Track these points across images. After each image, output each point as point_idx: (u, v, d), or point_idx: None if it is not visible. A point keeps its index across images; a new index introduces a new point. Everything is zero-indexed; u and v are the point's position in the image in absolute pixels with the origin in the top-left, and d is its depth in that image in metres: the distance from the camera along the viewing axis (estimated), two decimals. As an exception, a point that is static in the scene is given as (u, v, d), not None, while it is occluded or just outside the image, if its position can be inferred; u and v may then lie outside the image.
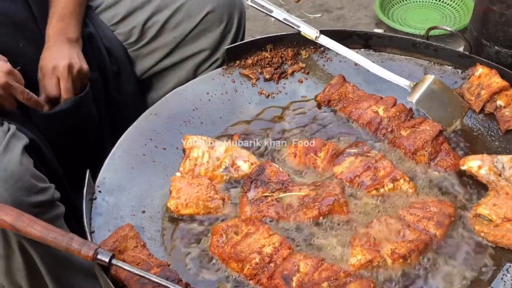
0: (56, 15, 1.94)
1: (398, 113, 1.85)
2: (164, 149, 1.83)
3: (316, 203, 1.62)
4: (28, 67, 1.88)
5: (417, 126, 1.81)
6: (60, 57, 1.89)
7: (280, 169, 1.73)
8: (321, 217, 1.62)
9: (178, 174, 1.75)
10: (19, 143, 1.70)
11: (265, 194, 1.68)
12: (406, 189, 1.66)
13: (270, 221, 1.62)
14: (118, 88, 2.11)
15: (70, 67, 1.88)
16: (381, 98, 1.88)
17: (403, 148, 1.77)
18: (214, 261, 1.57)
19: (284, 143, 1.82)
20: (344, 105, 1.90)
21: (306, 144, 1.78)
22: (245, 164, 1.76)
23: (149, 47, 2.13)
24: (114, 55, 2.09)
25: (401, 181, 1.66)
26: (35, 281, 1.83)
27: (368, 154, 1.74)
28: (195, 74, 2.12)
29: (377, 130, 1.83)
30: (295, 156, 1.77)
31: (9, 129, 1.72)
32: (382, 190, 1.66)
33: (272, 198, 1.67)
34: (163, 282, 1.42)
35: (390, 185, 1.66)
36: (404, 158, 1.76)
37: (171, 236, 1.63)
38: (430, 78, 1.86)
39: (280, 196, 1.67)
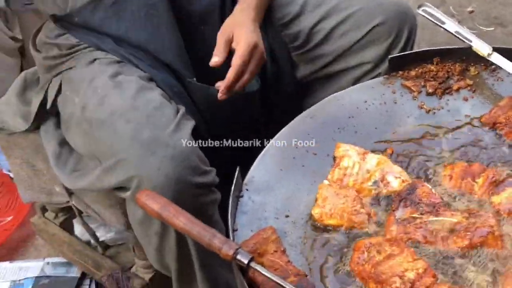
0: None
1: None
2: (315, 154, 1.80)
3: (468, 233, 1.52)
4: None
5: None
6: (258, 37, 1.88)
7: (433, 190, 1.64)
8: (471, 248, 1.51)
9: (326, 182, 1.72)
10: (189, 124, 1.76)
11: (414, 215, 1.60)
12: None
13: (416, 246, 1.55)
14: (276, 90, 2.11)
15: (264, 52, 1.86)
16: (555, 128, 1.72)
17: None
18: (352, 277, 1.51)
19: (440, 163, 1.72)
20: (511, 129, 1.77)
21: (464, 167, 1.66)
22: (395, 181, 1.69)
23: (314, 52, 2.11)
24: (277, 56, 2.08)
25: None
26: (183, 263, 1.88)
27: None
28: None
29: None
30: (450, 179, 1.68)
31: (178, 109, 1.78)
32: None
33: (421, 221, 1.59)
34: None
35: None
36: None
37: (312, 245, 1.60)
38: None
39: (430, 219, 1.58)
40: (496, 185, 1.63)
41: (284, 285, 1.41)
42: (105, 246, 2.53)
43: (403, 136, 1.82)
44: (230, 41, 1.89)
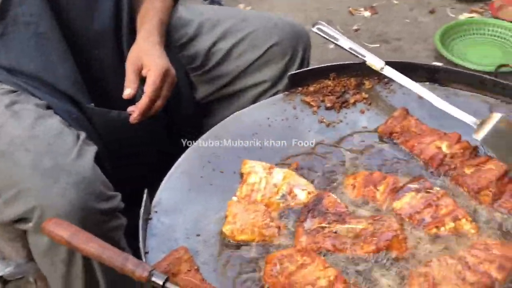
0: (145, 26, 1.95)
1: (462, 150, 1.82)
2: (222, 172, 1.84)
3: (374, 238, 1.60)
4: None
5: (482, 165, 1.78)
6: (167, 61, 1.89)
7: (338, 200, 1.71)
8: (378, 253, 1.59)
9: (234, 198, 1.76)
10: (91, 149, 1.75)
11: (322, 225, 1.67)
12: (468, 230, 1.63)
13: (326, 254, 1.61)
14: (176, 112, 2.13)
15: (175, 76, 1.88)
16: (445, 134, 1.86)
17: (466, 187, 1.74)
18: None
19: (343, 174, 1.80)
20: (406, 138, 1.88)
21: (365, 176, 1.76)
22: (302, 193, 1.75)
23: (212, 73, 2.15)
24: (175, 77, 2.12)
25: (463, 221, 1.63)
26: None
27: (430, 190, 1.71)
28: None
29: (439, 166, 1.80)
30: (353, 188, 1.76)
31: (79, 135, 1.77)
32: (442, 228, 1.63)
33: (329, 230, 1.66)
34: None
35: (451, 224, 1.63)
36: (467, 197, 1.73)
37: (225, 262, 1.63)
38: (497, 116, 1.83)
39: (337, 228, 1.65)
40: (396, 191, 1.72)
41: None
42: (4, 281, 2.44)
43: (307, 149, 1.88)
44: (139, 70, 1.90)
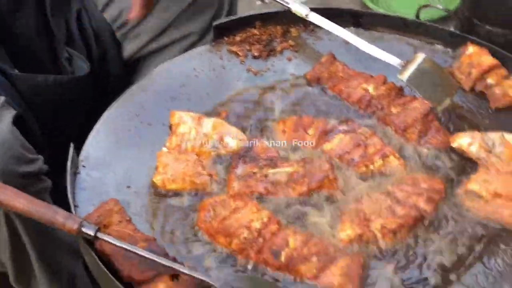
0: None
1: (388, 91, 1.85)
2: (150, 125, 1.82)
3: (306, 179, 1.62)
4: None
5: (407, 104, 1.81)
6: None
7: (269, 145, 1.72)
8: (310, 193, 1.61)
9: (164, 149, 1.74)
10: (9, 113, 1.70)
11: (254, 170, 1.67)
12: (396, 166, 1.66)
13: (259, 198, 1.62)
14: (104, 71, 2.09)
15: None
16: (371, 76, 1.88)
17: (393, 126, 1.77)
18: (200, 236, 1.56)
19: (273, 120, 1.81)
20: (334, 83, 1.90)
21: (295, 121, 1.77)
22: (233, 141, 1.76)
23: (137, 29, 2.12)
24: (101, 37, 2.07)
25: (391, 158, 1.67)
26: (18, 255, 1.81)
27: (358, 131, 1.74)
28: None
29: (367, 108, 1.83)
30: (284, 133, 1.77)
31: None
32: (371, 167, 1.66)
33: (261, 174, 1.66)
34: (150, 255, 1.42)
35: (380, 162, 1.66)
36: (394, 135, 1.77)
37: (157, 212, 1.62)
38: (421, 57, 1.87)
39: (269, 172, 1.66)
40: (325, 134, 1.75)
41: (134, 251, 1.42)
42: None
43: (236, 98, 1.89)
44: None
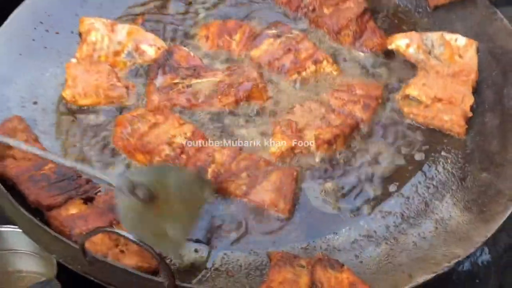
0: None
1: None
2: (57, 33, 1.64)
3: (232, 89, 1.49)
4: None
5: (341, 4, 1.68)
6: None
7: (191, 53, 1.57)
8: (238, 104, 1.49)
9: (73, 60, 1.57)
10: None
11: (175, 81, 1.52)
12: (329, 72, 1.55)
13: (181, 111, 1.48)
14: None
15: None
16: (302, -27, 1.72)
17: (326, 28, 1.65)
18: (117, 154, 1.41)
19: (195, 25, 1.64)
20: (260, -18, 1.73)
21: (219, 25, 1.62)
22: (150, 49, 1.60)
23: None
24: None
25: (324, 62, 1.55)
26: None
27: (289, 35, 1.60)
28: None
29: (298, 9, 1.70)
30: (207, 39, 1.61)
31: None
32: (304, 73, 1.54)
33: (183, 85, 1.52)
34: (41, 153, 1.27)
35: (313, 68, 1.54)
36: (327, 38, 1.64)
37: (69, 130, 1.47)
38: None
39: (192, 82, 1.52)
40: (253, 39, 1.60)
41: (43, 156, 1.25)
42: None
43: (150, 4, 1.72)
44: None
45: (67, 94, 1.49)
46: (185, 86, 1.51)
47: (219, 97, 1.48)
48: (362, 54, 1.59)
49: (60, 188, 1.30)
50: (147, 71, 1.56)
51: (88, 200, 1.29)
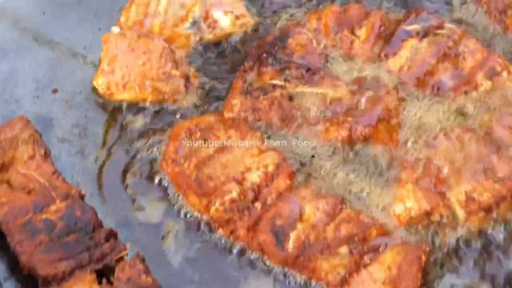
0: None
1: None
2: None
3: (350, 118, 1.02)
4: None
5: None
6: None
7: (314, 42, 1.12)
8: (351, 143, 1.02)
9: (115, 29, 1.15)
10: None
11: (275, 81, 1.08)
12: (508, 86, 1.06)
13: (266, 131, 1.04)
14: None
15: None
16: None
17: (485, 3, 1.17)
18: (163, 185, 1.00)
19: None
20: None
21: (336, 13, 1.15)
22: (225, 18, 1.17)
23: None
24: None
25: (504, 74, 1.06)
26: None
27: (440, 31, 1.11)
28: None
29: None
30: (318, 32, 1.14)
31: None
32: (474, 93, 1.05)
33: (284, 92, 1.07)
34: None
35: (487, 84, 1.05)
36: (485, 19, 1.15)
37: (97, 137, 1.06)
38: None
39: (297, 91, 1.07)
40: (387, 38, 1.12)
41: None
42: None
43: None
44: None
45: (100, 83, 1.10)
46: (286, 95, 1.06)
47: (327, 125, 1.03)
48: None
49: (67, 248, 0.90)
50: (225, 55, 1.12)
51: (105, 273, 0.85)
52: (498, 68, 1.05)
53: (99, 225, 0.90)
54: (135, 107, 1.06)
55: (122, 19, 1.13)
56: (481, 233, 0.92)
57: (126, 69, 1.06)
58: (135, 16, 1.14)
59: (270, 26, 1.14)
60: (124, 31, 1.12)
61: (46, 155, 0.98)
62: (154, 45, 1.09)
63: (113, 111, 1.06)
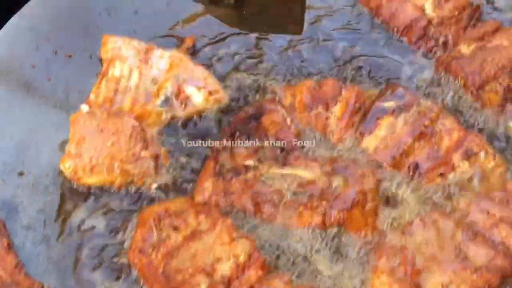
0: None
1: (456, 12, 1.25)
2: (69, 56, 1.21)
3: (324, 202, 1.01)
4: None
5: (488, 38, 1.20)
6: None
7: (288, 120, 1.12)
8: (325, 228, 1.00)
9: (84, 107, 1.12)
10: None
11: (247, 162, 1.06)
12: (490, 168, 1.05)
13: (238, 216, 1.03)
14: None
15: None
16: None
17: (462, 77, 1.15)
18: (129, 275, 0.99)
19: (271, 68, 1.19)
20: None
21: (310, 89, 1.13)
22: (198, 94, 1.16)
23: None
24: None
25: (482, 155, 1.05)
26: None
27: (417, 108, 1.10)
28: None
29: (420, 40, 1.22)
30: (294, 110, 1.13)
31: None
32: (451, 176, 1.04)
33: (257, 173, 1.06)
34: None
35: (465, 166, 1.05)
36: (462, 93, 1.15)
37: (64, 224, 1.03)
38: None
39: (271, 172, 1.05)
40: (362, 115, 1.11)
41: None
42: None
43: (207, 14, 1.26)
44: None
45: (67, 166, 1.07)
46: (259, 177, 1.04)
47: (301, 209, 1.01)
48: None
49: None
50: (199, 132, 1.10)
51: None
52: (475, 149, 1.04)
53: None
54: (102, 191, 1.03)
55: (92, 96, 1.11)
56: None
57: (94, 151, 1.04)
58: (105, 93, 1.11)
59: (244, 101, 1.12)
60: (93, 110, 1.09)
61: (9, 246, 0.96)
62: (124, 125, 1.07)
63: (81, 195, 1.03)
